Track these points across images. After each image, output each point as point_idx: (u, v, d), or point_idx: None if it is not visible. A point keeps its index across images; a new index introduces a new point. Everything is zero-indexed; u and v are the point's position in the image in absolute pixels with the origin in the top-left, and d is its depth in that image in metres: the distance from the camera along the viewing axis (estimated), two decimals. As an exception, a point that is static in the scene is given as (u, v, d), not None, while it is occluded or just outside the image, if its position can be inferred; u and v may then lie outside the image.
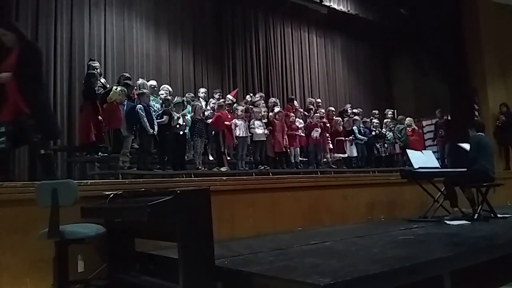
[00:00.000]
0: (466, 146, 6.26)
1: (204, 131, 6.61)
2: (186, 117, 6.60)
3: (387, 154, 9.17)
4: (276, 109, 7.70)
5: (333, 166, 8.14)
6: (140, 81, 7.16)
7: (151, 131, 5.96)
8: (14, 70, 4.01)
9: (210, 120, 6.93)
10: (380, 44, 13.05)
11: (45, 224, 3.34)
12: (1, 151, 4.01)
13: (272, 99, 8.41)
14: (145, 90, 6.45)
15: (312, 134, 7.94)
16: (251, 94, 8.48)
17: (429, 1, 10.27)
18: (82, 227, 3.55)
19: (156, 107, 6.60)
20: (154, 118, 6.14)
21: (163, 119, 6.19)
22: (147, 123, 5.92)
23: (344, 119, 8.87)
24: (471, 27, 10.65)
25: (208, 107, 7.42)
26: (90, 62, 6.76)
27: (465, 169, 6.07)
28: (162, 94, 6.97)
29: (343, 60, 12.25)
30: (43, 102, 4.40)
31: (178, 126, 6.38)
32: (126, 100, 6.04)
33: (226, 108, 7.19)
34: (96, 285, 3.84)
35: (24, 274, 3.77)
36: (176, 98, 7.08)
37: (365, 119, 9.33)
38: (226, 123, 6.89)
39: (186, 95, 7.66)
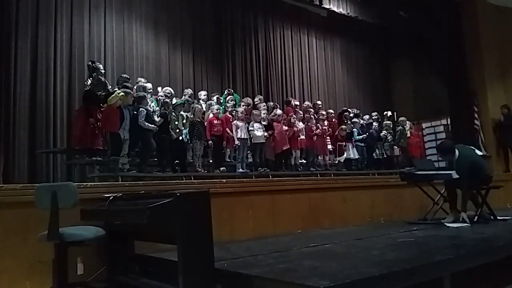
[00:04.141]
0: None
1: (203, 134, 6.60)
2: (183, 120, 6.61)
3: (387, 156, 9.16)
4: (276, 111, 7.70)
5: (329, 169, 8.12)
6: (140, 83, 7.14)
7: (153, 127, 6.01)
8: None
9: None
10: (380, 46, 13.05)
11: (45, 227, 3.34)
12: None
13: (271, 103, 8.42)
14: (141, 93, 6.45)
15: (313, 137, 7.94)
16: (248, 98, 8.46)
17: (428, 3, 10.29)
18: (82, 230, 3.55)
19: (152, 106, 6.61)
20: (153, 119, 6.19)
21: (156, 120, 6.18)
22: (149, 125, 5.98)
23: (346, 121, 8.83)
24: (471, 30, 10.67)
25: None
26: (99, 65, 6.67)
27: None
28: (161, 97, 6.97)
29: (342, 62, 12.26)
30: None
31: (177, 130, 6.38)
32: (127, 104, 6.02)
33: (230, 110, 7.21)
34: (95, 287, 3.84)
35: (23, 276, 3.77)
36: (174, 99, 7.08)
37: (363, 121, 9.31)
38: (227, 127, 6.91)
39: (185, 91, 7.65)
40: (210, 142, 6.70)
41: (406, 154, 9.27)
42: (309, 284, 2.40)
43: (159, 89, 7.40)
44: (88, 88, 6.37)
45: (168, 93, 7.08)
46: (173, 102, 6.86)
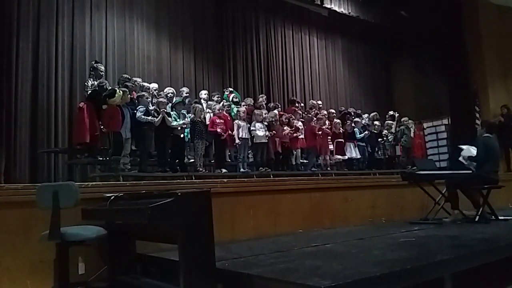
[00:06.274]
0: (465, 147, 6.24)
1: (204, 133, 6.61)
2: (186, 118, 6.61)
3: (388, 156, 9.15)
4: (275, 112, 7.71)
5: (329, 169, 8.12)
6: (136, 83, 7.13)
7: (152, 119, 6.01)
8: None
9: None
10: (381, 46, 13.04)
11: (46, 226, 3.34)
12: None
13: (271, 104, 8.41)
14: (144, 93, 6.46)
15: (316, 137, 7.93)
16: (250, 99, 8.45)
17: (429, 3, 10.28)
18: (83, 229, 3.56)
19: (151, 106, 6.62)
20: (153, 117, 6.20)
21: (155, 118, 6.17)
22: (147, 118, 5.98)
23: (347, 122, 8.82)
24: (472, 29, 10.65)
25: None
26: (100, 66, 6.70)
27: (467, 171, 6.07)
28: (162, 97, 6.96)
29: (343, 62, 12.25)
30: None
31: (179, 128, 6.38)
32: (126, 103, 6.03)
33: (226, 109, 7.22)
34: (96, 287, 3.84)
35: (24, 276, 3.78)
36: (175, 98, 7.10)
37: (365, 121, 9.30)
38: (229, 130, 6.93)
39: (181, 90, 7.66)
40: (212, 134, 6.69)
41: (408, 154, 9.25)
42: (310, 284, 2.40)
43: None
44: (91, 89, 6.37)
45: (171, 93, 7.10)
46: (173, 101, 6.88)
